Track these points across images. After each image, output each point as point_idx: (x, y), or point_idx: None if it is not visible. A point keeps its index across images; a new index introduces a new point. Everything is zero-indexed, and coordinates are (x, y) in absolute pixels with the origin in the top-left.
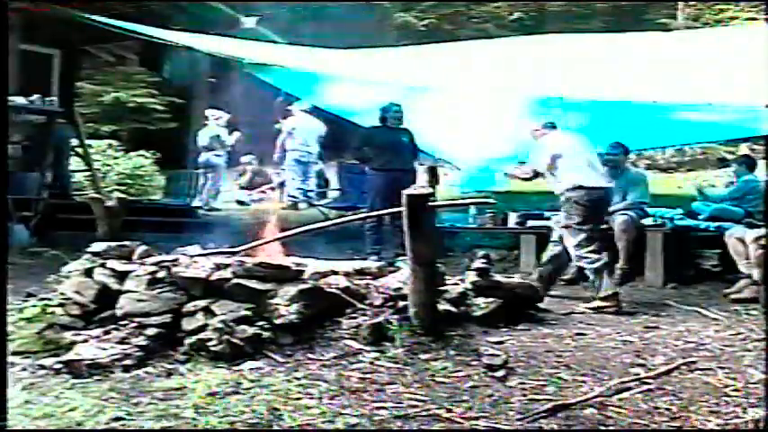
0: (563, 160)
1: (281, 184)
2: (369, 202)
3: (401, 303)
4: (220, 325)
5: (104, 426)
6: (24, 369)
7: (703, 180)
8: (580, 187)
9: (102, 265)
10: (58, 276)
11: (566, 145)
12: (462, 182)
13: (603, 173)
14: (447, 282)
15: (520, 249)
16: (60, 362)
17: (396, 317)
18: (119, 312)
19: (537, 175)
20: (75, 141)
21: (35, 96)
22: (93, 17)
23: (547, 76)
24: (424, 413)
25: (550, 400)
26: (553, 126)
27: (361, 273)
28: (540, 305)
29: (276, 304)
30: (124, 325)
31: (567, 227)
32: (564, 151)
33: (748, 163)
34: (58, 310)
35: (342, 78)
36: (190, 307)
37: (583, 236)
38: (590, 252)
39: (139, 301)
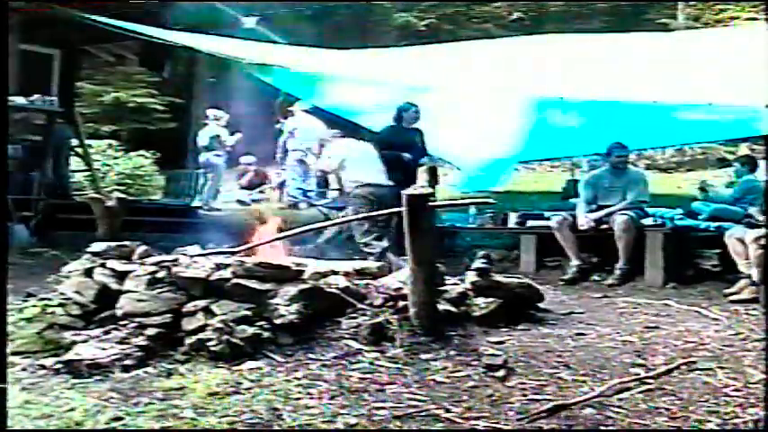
0: (350, 162)
1: (281, 184)
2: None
3: (401, 303)
4: (220, 325)
5: (104, 426)
6: (24, 369)
7: (703, 180)
8: (367, 185)
9: (102, 265)
10: (58, 276)
11: (352, 149)
12: (462, 182)
13: (385, 174)
14: (447, 282)
15: (520, 249)
16: (60, 362)
17: (396, 317)
18: (119, 312)
19: (325, 173)
20: (75, 141)
21: (35, 96)
22: (93, 17)
23: (547, 76)
24: (424, 413)
25: (550, 400)
26: (343, 135)
27: (361, 273)
28: (540, 305)
29: (276, 304)
30: (124, 325)
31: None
32: (350, 155)
33: (750, 163)
34: (58, 310)
35: (342, 79)
36: (190, 307)
37: (366, 227)
38: (373, 240)
39: (139, 301)
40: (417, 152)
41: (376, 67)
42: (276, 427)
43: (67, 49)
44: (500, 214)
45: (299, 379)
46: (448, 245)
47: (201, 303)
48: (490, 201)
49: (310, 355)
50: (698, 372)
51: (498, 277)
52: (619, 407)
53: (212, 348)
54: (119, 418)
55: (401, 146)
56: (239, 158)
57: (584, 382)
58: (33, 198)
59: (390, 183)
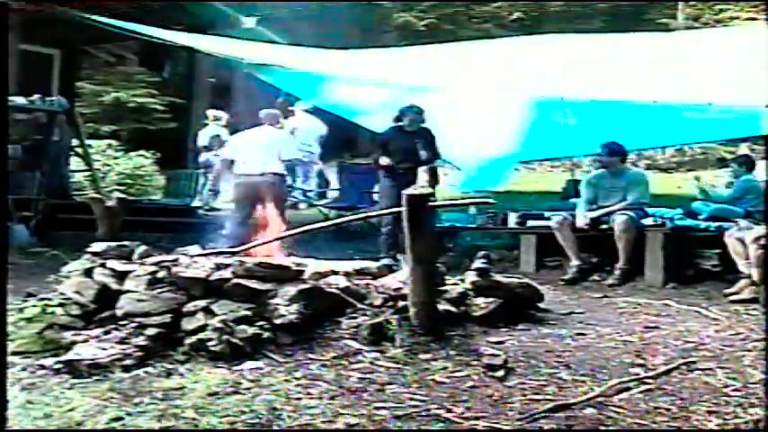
0: (236, 155)
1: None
2: (379, 205)
3: (401, 303)
4: (220, 325)
5: (104, 426)
6: (24, 369)
7: (698, 178)
8: (241, 174)
9: (102, 265)
10: (58, 276)
11: (237, 143)
12: (462, 182)
13: (270, 163)
14: (447, 282)
15: (520, 249)
16: (60, 362)
17: (396, 317)
18: (119, 312)
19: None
20: (75, 141)
21: (35, 96)
22: (94, 17)
23: (547, 77)
24: (424, 413)
25: (550, 400)
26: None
27: (361, 273)
28: (540, 305)
29: (276, 304)
30: (124, 325)
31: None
32: (234, 148)
33: (748, 163)
34: (58, 310)
35: (342, 79)
36: (190, 307)
37: (245, 213)
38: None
39: (139, 301)
40: (412, 155)
41: (376, 67)
42: (276, 427)
43: (67, 49)
44: (500, 214)
45: (298, 379)
46: (448, 245)
47: (201, 303)
48: (490, 201)
49: (310, 355)
50: (698, 372)
51: (498, 277)
52: (619, 407)
53: (212, 348)
54: (119, 418)
55: (400, 148)
56: None
57: (584, 382)
58: (33, 198)
59: (264, 171)
